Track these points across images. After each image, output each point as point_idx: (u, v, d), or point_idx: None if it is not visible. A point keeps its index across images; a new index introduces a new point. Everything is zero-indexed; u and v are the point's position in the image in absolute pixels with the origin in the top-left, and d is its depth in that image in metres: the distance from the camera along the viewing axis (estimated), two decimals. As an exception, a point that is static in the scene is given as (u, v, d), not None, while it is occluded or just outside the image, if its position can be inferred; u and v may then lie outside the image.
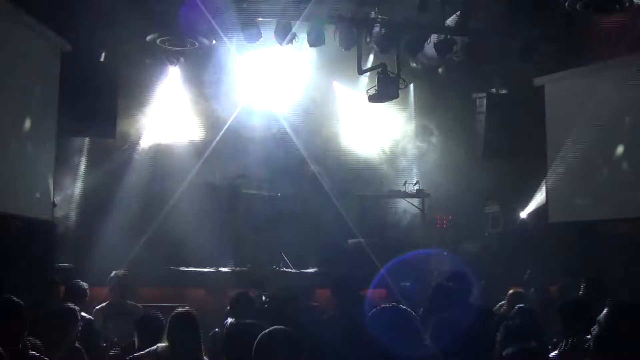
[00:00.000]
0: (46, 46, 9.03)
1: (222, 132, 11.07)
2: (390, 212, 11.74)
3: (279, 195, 11.00)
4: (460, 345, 3.20)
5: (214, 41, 9.93)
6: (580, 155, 10.08)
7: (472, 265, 9.11)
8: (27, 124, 8.50)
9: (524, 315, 4.93)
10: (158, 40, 9.68)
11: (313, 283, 8.81)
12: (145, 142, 10.92)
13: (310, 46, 10.23)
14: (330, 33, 9.95)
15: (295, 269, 10.06)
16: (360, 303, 4.86)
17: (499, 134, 11.05)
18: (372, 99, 10.32)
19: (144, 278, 8.25)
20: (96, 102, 9.43)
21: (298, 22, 9.90)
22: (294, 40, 9.99)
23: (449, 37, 10.08)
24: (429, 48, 10.23)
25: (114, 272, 6.89)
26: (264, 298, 7.10)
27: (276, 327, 3.22)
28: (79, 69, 9.36)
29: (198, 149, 10.99)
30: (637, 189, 9.08)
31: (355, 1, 9.76)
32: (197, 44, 9.75)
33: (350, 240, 10.50)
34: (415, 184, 11.63)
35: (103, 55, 9.77)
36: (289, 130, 11.63)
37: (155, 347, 4.46)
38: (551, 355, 4.48)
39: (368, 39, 10.08)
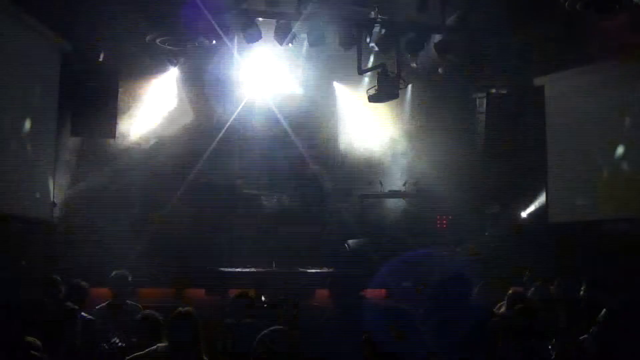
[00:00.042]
0: (46, 46, 9.04)
1: (222, 132, 11.08)
2: (390, 212, 11.73)
3: (278, 195, 10.99)
4: (460, 345, 3.20)
5: (214, 41, 9.93)
6: (580, 155, 10.09)
7: (472, 265, 9.14)
8: (27, 124, 8.51)
9: (524, 315, 4.93)
10: (158, 41, 9.67)
11: (313, 283, 8.82)
12: (145, 142, 10.91)
13: (310, 46, 10.23)
14: (330, 33, 9.96)
15: (295, 269, 10.06)
16: (360, 303, 4.85)
17: (499, 134, 11.05)
18: (372, 99, 10.32)
19: (144, 278, 8.25)
20: (96, 102, 9.44)
21: (298, 22, 9.91)
22: (294, 40, 10.00)
23: (448, 37, 10.09)
24: (429, 48, 10.24)
25: (114, 272, 6.89)
26: (263, 298, 7.10)
27: (276, 327, 3.22)
28: (79, 69, 9.37)
29: (198, 149, 10.99)
30: (637, 189, 9.09)
31: (355, 1, 9.75)
32: (197, 44, 9.75)
33: (350, 240, 10.50)
34: (415, 184, 11.63)
35: (103, 55, 9.78)
36: (289, 130, 11.65)
37: (155, 347, 4.46)
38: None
39: (368, 39, 10.08)
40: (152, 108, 10.94)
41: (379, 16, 9.93)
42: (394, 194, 11.65)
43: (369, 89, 10.35)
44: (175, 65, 10.59)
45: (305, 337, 3.44)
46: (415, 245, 9.80)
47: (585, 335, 4.51)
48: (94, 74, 9.46)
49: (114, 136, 10.03)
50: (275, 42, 9.91)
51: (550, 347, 4.69)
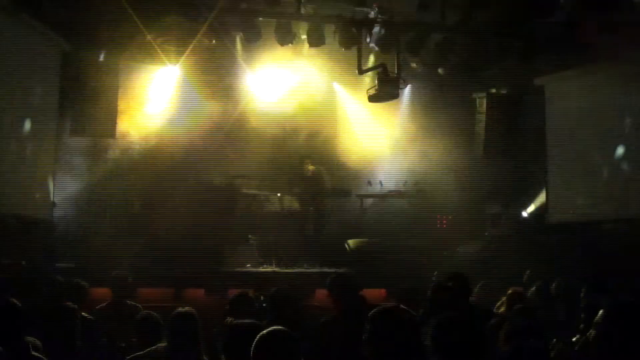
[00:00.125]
0: (46, 46, 9.04)
1: (222, 132, 11.08)
2: (390, 212, 11.73)
3: (278, 195, 10.99)
4: (460, 346, 3.19)
5: (213, 41, 9.94)
6: (580, 155, 10.09)
7: (472, 265, 9.15)
8: (27, 124, 8.51)
9: (524, 315, 4.93)
10: (158, 40, 9.67)
11: (313, 283, 8.81)
12: (145, 142, 10.91)
13: (310, 46, 10.24)
14: (330, 33, 9.96)
15: (295, 269, 10.06)
16: (360, 303, 4.85)
17: (499, 134, 11.05)
18: (372, 99, 10.31)
19: (144, 278, 8.24)
20: (96, 102, 9.44)
21: (298, 22, 9.91)
22: (294, 40, 10.00)
23: (448, 37, 10.09)
24: (429, 48, 10.24)
25: (114, 272, 6.89)
26: (262, 298, 7.09)
27: (276, 327, 3.22)
28: (79, 69, 9.37)
29: (198, 149, 10.99)
30: (637, 189, 9.09)
31: (355, 1, 9.75)
32: (197, 44, 9.75)
33: (350, 240, 10.50)
34: (415, 184, 11.63)
35: (103, 55, 9.77)
36: (289, 130, 11.65)
37: (155, 347, 4.46)
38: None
39: (368, 39, 10.08)
40: (152, 108, 10.93)
41: (379, 16, 9.92)
42: (394, 194, 11.64)
43: (369, 89, 10.34)
44: (175, 65, 10.58)
45: (305, 337, 3.44)
46: (415, 245, 9.80)
47: (585, 336, 4.51)
48: (94, 74, 9.46)
49: (114, 136, 10.03)
50: (275, 42, 9.92)
51: (549, 347, 4.68)
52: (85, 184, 10.32)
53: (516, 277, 8.05)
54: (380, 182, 11.59)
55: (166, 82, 11.00)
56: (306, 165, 11.14)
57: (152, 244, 9.33)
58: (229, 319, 5.52)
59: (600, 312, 3.05)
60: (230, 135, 11.22)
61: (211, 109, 11.30)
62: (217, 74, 11.02)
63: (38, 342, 4.13)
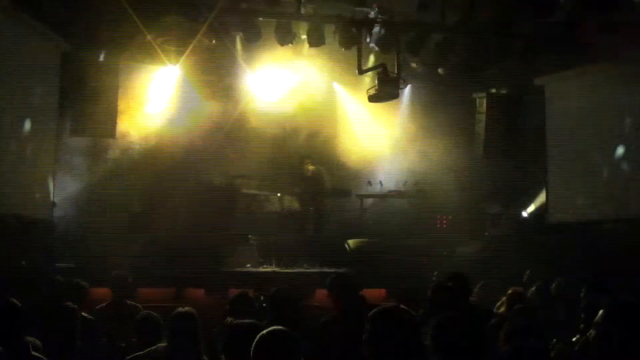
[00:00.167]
0: (46, 46, 9.04)
1: (222, 132, 11.08)
2: (390, 212, 11.73)
3: (278, 195, 11.00)
4: (460, 346, 3.19)
5: (213, 41, 9.94)
6: (580, 155, 10.08)
7: (472, 265, 9.14)
8: (27, 124, 8.51)
9: (524, 315, 4.93)
10: (158, 40, 9.67)
11: (313, 283, 8.81)
12: (145, 142, 10.91)
13: (310, 46, 10.24)
14: (330, 33, 9.96)
15: (295, 269, 10.06)
16: (360, 303, 4.85)
17: (499, 134, 11.05)
18: (372, 99, 10.31)
19: (144, 278, 8.25)
20: (96, 102, 9.44)
21: (298, 22, 9.91)
22: (294, 40, 10.00)
23: (448, 37, 10.09)
24: (429, 48, 10.24)
25: (114, 272, 6.89)
26: (262, 298, 7.09)
27: (276, 327, 3.22)
28: (79, 69, 9.37)
29: (198, 149, 10.99)
30: (637, 189, 9.08)
31: (355, 1, 9.76)
32: (197, 44, 9.75)
33: (350, 240, 10.50)
34: (415, 184, 11.63)
35: (103, 55, 9.78)
36: (289, 130, 11.64)
37: (155, 347, 4.46)
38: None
39: (368, 39, 10.08)
40: (152, 108, 10.93)
41: (379, 16, 9.93)
42: (394, 194, 11.64)
43: (369, 89, 10.34)
44: (175, 65, 10.58)
45: (305, 337, 3.44)
46: (415, 245, 9.81)
47: (585, 336, 4.51)
48: (94, 74, 9.46)
49: (114, 136, 10.03)
50: (275, 42, 9.92)
51: (549, 347, 4.68)
52: (85, 184, 10.32)
53: (516, 277, 8.05)
54: (380, 182, 11.59)
55: (166, 82, 11.00)
56: (306, 165, 11.14)
57: (152, 244, 9.33)
58: (229, 319, 5.53)
59: (600, 312, 3.04)
60: (230, 135, 11.22)
61: (211, 109, 11.31)
62: (217, 74, 11.02)
63: (38, 342, 4.13)
